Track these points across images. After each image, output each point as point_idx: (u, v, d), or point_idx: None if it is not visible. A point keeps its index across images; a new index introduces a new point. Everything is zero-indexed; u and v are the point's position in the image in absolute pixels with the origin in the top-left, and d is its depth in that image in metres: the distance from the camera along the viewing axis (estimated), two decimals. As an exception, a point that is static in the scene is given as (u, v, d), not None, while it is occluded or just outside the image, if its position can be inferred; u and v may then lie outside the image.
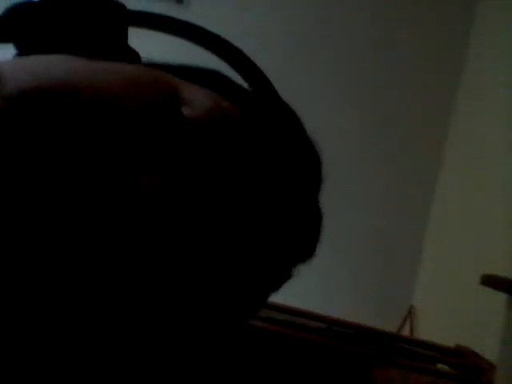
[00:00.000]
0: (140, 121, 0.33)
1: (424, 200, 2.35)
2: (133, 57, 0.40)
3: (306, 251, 0.43)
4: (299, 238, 0.41)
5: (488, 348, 1.33)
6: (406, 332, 2.16)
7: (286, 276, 0.43)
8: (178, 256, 0.33)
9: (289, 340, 1.13)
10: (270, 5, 2.36)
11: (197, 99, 0.36)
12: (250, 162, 0.37)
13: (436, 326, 1.94)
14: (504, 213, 1.65)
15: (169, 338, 0.34)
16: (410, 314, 2.22)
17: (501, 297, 1.18)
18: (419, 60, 2.36)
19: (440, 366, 1.33)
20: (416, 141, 2.37)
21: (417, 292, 2.28)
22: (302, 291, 2.33)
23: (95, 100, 0.32)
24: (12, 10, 0.36)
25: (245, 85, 0.43)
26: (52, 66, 0.34)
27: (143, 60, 0.41)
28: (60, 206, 0.30)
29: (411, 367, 1.13)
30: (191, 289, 0.34)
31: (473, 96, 2.14)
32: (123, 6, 0.39)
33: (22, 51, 0.37)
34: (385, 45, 2.36)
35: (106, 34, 0.38)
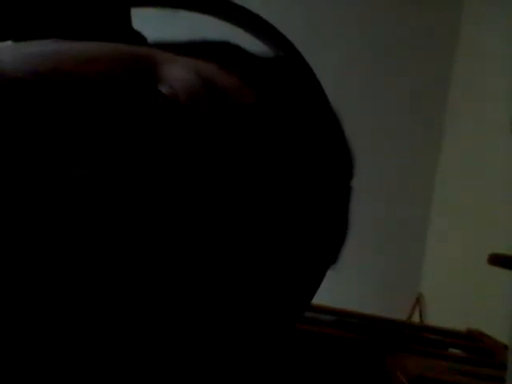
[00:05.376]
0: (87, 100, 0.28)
1: (425, 187, 2.35)
2: (137, 38, 0.36)
3: (330, 257, 0.37)
4: (321, 244, 0.35)
5: (499, 330, 1.33)
6: (415, 320, 2.17)
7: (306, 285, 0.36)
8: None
9: (301, 334, 1.13)
10: None
11: (175, 75, 0.31)
12: (247, 153, 0.30)
13: (445, 313, 1.94)
14: (506, 195, 1.65)
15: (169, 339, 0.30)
16: (419, 301, 2.22)
17: (509, 277, 1.18)
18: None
19: (452, 350, 1.33)
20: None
21: (424, 280, 2.28)
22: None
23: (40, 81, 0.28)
24: None
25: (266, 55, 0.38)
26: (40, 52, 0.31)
27: (149, 41, 0.37)
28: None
29: (424, 353, 1.14)
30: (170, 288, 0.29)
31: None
32: None
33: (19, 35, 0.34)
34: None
35: (107, 15, 0.35)
